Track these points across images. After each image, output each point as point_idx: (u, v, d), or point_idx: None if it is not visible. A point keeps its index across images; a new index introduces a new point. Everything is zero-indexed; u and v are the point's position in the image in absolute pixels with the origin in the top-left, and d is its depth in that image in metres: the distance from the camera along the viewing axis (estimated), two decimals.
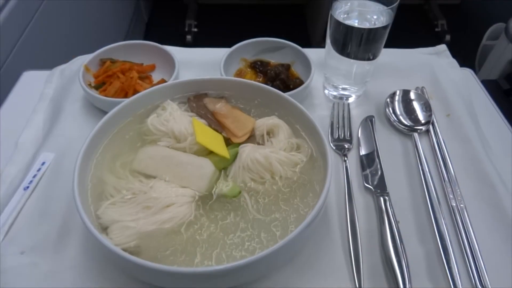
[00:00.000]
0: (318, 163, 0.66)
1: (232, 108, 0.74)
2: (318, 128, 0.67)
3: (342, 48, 0.83)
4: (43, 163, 0.75)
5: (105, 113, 0.68)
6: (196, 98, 0.77)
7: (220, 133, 0.70)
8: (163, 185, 0.61)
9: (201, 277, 0.51)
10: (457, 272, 0.61)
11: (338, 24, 0.79)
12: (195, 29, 2.81)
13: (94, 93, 0.83)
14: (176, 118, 0.69)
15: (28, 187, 0.71)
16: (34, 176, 0.73)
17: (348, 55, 0.83)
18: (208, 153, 0.67)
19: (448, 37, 2.59)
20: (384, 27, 0.78)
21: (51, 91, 0.90)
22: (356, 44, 0.80)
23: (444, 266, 0.62)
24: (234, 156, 0.66)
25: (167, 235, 0.57)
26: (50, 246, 0.64)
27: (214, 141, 0.68)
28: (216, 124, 0.72)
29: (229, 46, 0.93)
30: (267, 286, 0.60)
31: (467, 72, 0.99)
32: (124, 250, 0.54)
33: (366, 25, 0.78)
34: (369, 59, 0.84)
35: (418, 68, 0.98)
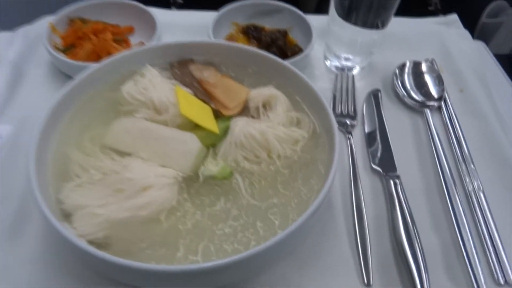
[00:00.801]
0: (322, 140, 0.57)
1: (222, 77, 0.64)
2: (323, 100, 0.57)
3: (349, 14, 0.73)
4: None
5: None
6: (180, 65, 0.66)
7: (208, 104, 0.60)
8: (140, 164, 0.51)
9: (184, 276, 0.41)
10: (478, 266, 0.53)
11: None
12: None
13: (62, 56, 0.71)
14: (156, 85, 0.59)
15: None
16: None
17: (355, 22, 0.73)
18: (194, 127, 0.57)
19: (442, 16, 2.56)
20: None
21: (12, 54, 0.79)
22: (366, 9, 0.70)
23: (462, 259, 0.54)
24: (225, 131, 0.57)
25: (144, 224, 0.47)
26: (2, 236, 0.54)
27: (201, 113, 0.58)
28: (204, 93, 0.61)
29: (218, 10, 0.82)
30: (261, 287, 0.51)
31: (480, 44, 0.90)
32: (90, 242, 0.45)
33: None
34: (377, 28, 0.74)
35: (427, 39, 0.89)
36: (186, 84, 0.62)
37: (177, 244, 0.46)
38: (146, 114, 0.57)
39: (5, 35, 0.83)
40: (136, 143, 0.54)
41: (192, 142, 0.53)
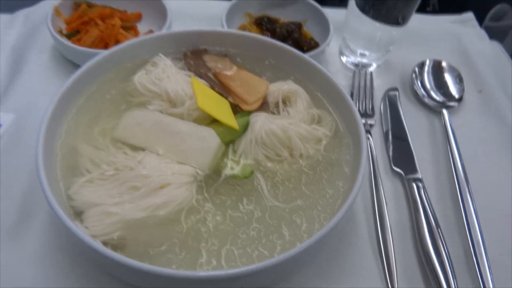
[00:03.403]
0: (346, 140, 0.54)
1: (239, 69, 0.61)
2: (347, 97, 0.54)
3: (370, 8, 0.70)
4: None
5: (79, 67, 0.53)
6: (194, 55, 0.63)
7: (226, 98, 0.57)
8: (155, 160, 0.48)
9: (208, 283, 0.38)
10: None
11: None
12: None
13: (66, 42, 0.67)
14: (170, 76, 0.55)
15: None
16: None
17: (375, 17, 0.70)
18: (210, 122, 0.54)
19: None
20: None
21: (13, 38, 0.74)
22: (388, 4, 0.68)
23: (484, 267, 0.52)
24: (244, 127, 0.53)
25: (161, 224, 0.44)
26: (6, 233, 0.50)
27: (219, 108, 0.54)
28: (221, 87, 0.58)
29: None
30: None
31: (496, 45, 0.88)
32: (105, 243, 0.41)
33: None
34: (398, 24, 0.71)
35: (443, 37, 0.87)
36: (201, 76, 0.59)
37: (198, 248, 0.43)
38: (160, 106, 0.54)
39: (4, 18, 0.78)
40: (150, 138, 0.50)
41: (211, 139, 0.50)
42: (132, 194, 0.44)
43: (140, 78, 0.56)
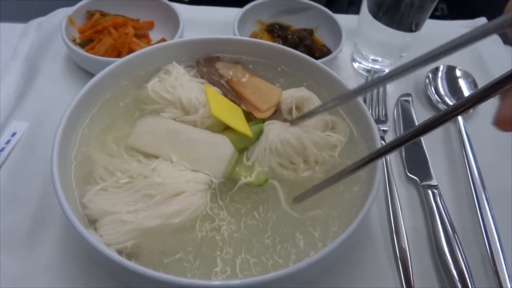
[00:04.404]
0: (361, 147, 0.54)
1: (251, 76, 0.61)
2: (362, 104, 0.54)
3: (383, 15, 0.69)
4: (13, 134, 0.61)
5: (92, 75, 0.54)
6: (207, 62, 0.63)
7: (239, 105, 0.56)
8: (169, 168, 0.48)
9: None
10: None
11: None
12: None
13: (80, 50, 0.67)
14: (184, 84, 0.55)
15: None
16: (2, 150, 0.59)
17: (389, 24, 0.70)
18: (224, 129, 0.54)
19: None
20: None
21: (27, 47, 0.75)
22: (402, 10, 0.67)
23: (504, 275, 0.50)
24: (258, 135, 0.53)
25: (175, 232, 0.43)
26: (20, 241, 0.50)
27: (232, 115, 0.54)
28: (233, 94, 0.58)
29: (241, 7, 0.78)
30: None
31: (510, 49, 0.87)
32: (119, 252, 0.41)
33: None
34: (411, 30, 0.71)
35: None
36: (214, 83, 0.59)
37: (213, 256, 0.42)
38: (173, 114, 0.54)
39: (17, 27, 0.79)
40: (164, 145, 0.50)
41: (225, 146, 0.50)
42: (147, 202, 0.44)
43: (153, 85, 0.56)
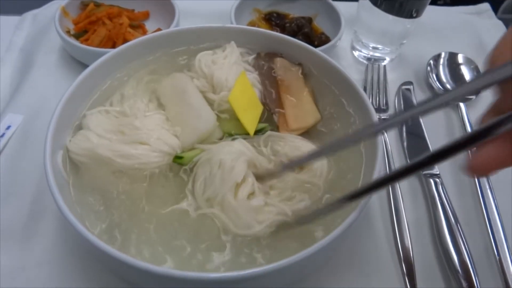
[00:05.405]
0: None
1: (305, 86, 0.57)
2: (361, 91, 0.52)
3: (383, 1, 0.68)
4: (8, 127, 0.60)
5: (87, 67, 0.52)
6: (268, 57, 0.59)
7: (269, 111, 0.54)
8: (157, 120, 0.50)
9: (219, 284, 0.37)
10: None
11: None
12: None
13: (74, 42, 0.66)
14: (225, 64, 0.55)
15: None
16: None
17: (389, 10, 0.68)
18: (236, 117, 0.52)
19: None
20: None
21: (22, 39, 0.74)
22: None
23: (508, 265, 0.49)
24: (259, 131, 0.52)
25: (120, 174, 0.46)
26: (17, 235, 0.50)
27: (248, 109, 0.52)
28: (272, 99, 0.55)
29: None
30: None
31: None
32: (71, 159, 0.46)
33: None
34: (411, 17, 0.69)
35: (458, 29, 0.84)
36: (262, 80, 0.57)
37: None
38: (201, 85, 0.55)
39: (12, 20, 0.78)
40: (172, 100, 0.52)
41: (205, 121, 0.50)
42: (117, 136, 0.47)
43: (202, 56, 0.56)
